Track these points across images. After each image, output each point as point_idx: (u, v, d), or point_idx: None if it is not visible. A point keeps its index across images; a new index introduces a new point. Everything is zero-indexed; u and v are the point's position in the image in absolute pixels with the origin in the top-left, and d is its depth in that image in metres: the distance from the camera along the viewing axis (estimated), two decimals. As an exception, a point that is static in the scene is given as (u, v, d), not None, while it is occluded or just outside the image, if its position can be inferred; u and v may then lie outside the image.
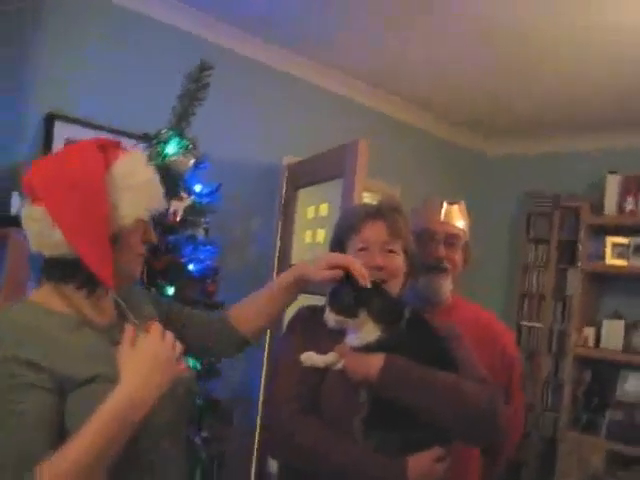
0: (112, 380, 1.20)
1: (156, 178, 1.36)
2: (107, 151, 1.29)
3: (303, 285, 1.67)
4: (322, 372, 1.59)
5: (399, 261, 1.69)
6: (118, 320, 1.38)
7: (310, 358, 1.60)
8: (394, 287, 1.68)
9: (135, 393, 1.19)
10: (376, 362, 1.51)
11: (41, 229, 1.22)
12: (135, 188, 1.29)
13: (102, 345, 1.28)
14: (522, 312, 5.11)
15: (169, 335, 1.30)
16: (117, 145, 1.35)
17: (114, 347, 1.27)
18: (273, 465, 3.58)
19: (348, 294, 1.56)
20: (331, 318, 1.56)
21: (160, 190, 1.37)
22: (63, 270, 1.26)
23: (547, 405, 4.86)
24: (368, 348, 1.54)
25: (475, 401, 1.52)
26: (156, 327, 1.29)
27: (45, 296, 1.28)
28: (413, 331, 1.58)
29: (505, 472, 2.20)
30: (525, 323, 5.06)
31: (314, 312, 1.73)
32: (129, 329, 1.28)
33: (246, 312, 1.72)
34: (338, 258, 1.60)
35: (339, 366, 1.57)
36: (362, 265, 1.61)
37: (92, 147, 1.29)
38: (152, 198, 1.33)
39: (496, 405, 1.56)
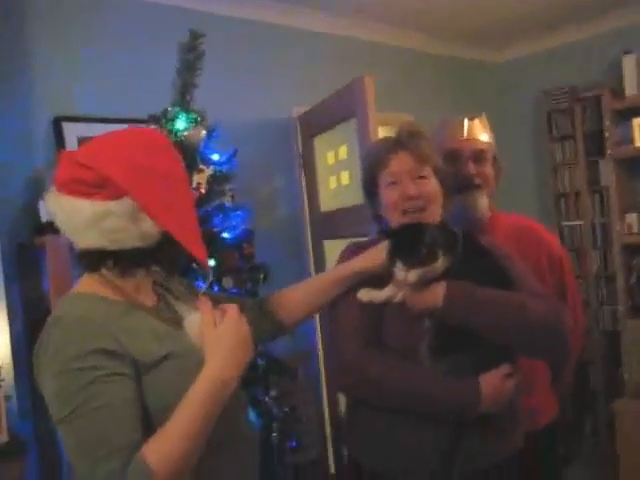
0: (181, 356, 1.25)
1: None
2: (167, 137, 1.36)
3: (359, 279, 1.64)
4: (382, 306, 1.60)
5: (433, 185, 1.68)
6: (159, 301, 1.41)
7: (368, 294, 1.61)
8: (435, 212, 1.68)
9: (224, 371, 1.23)
10: (438, 290, 1.52)
11: (119, 224, 1.21)
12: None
13: (159, 325, 1.31)
14: (560, 212, 5.05)
15: (243, 316, 1.33)
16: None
17: (169, 325, 1.32)
18: (342, 404, 3.66)
19: (419, 242, 1.52)
20: (412, 275, 1.51)
21: None
22: (135, 259, 1.27)
23: (603, 299, 4.84)
24: (437, 279, 1.53)
25: (541, 317, 1.53)
26: (233, 308, 1.32)
27: (92, 285, 1.28)
28: (468, 254, 1.58)
29: (574, 374, 2.21)
30: (566, 223, 5.00)
31: (361, 247, 1.74)
32: (207, 310, 1.30)
33: (292, 299, 1.70)
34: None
35: (399, 298, 1.57)
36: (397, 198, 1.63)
37: (161, 136, 1.36)
38: None
39: (561, 318, 1.58)
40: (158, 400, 1.20)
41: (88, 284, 1.29)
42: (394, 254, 1.54)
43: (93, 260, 1.27)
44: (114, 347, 1.18)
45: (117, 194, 1.20)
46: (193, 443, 1.16)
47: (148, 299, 1.37)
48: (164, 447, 1.13)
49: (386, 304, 1.60)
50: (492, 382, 1.52)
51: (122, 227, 1.21)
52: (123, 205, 1.20)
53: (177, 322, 1.36)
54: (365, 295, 1.61)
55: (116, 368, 1.16)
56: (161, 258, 1.30)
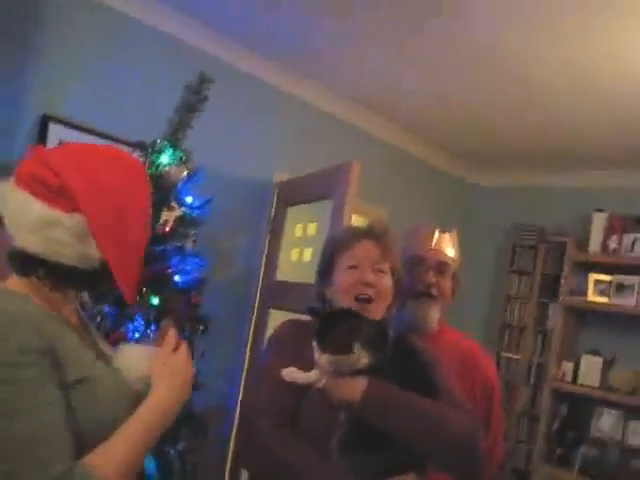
0: (98, 383, 1.21)
1: None
2: (143, 168, 1.33)
3: None
4: (303, 388, 1.59)
5: (388, 281, 1.71)
6: (82, 326, 1.37)
7: (292, 374, 1.59)
8: (381, 308, 1.70)
9: (168, 404, 1.26)
10: (359, 385, 1.51)
11: (65, 238, 1.17)
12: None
13: (81, 346, 1.26)
14: (502, 343, 5.13)
15: (182, 344, 1.36)
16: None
17: (85, 348, 1.27)
18: (244, 477, 3.56)
19: (340, 330, 1.54)
20: (324, 360, 1.53)
21: None
22: (70, 278, 1.22)
23: (522, 437, 4.87)
24: (354, 373, 1.53)
25: (456, 430, 1.53)
26: (185, 347, 1.36)
27: (24, 288, 1.22)
28: (397, 355, 1.58)
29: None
30: (505, 354, 5.08)
31: (298, 326, 1.74)
32: (167, 343, 1.34)
33: None
34: None
35: (320, 385, 1.56)
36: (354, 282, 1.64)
37: (135, 163, 1.31)
38: None
39: (476, 434, 1.57)
40: (82, 416, 1.16)
41: (20, 286, 1.23)
42: (318, 337, 1.55)
43: (26, 263, 1.21)
44: (46, 347, 1.12)
45: (72, 207, 1.17)
46: (130, 468, 1.17)
47: (74, 318, 1.33)
48: (109, 460, 1.13)
49: (307, 388, 1.59)
50: None
51: (66, 241, 1.17)
52: (73, 220, 1.17)
53: (96, 351, 1.32)
54: (289, 374, 1.60)
55: (47, 370, 1.11)
56: (93, 284, 1.27)
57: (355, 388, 1.51)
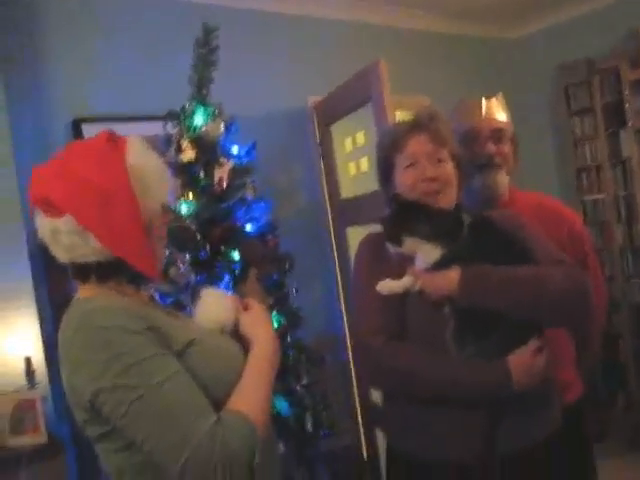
0: (203, 341, 1.28)
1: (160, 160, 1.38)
2: (116, 144, 1.29)
3: None
4: (402, 296, 1.60)
5: (449, 168, 1.68)
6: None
7: (387, 286, 1.60)
8: (450, 196, 1.67)
9: (272, 346, 1.37)
10: (453, 276, 1.51)
11: (72, 241, 1.22)
12: (154, 175, 1.31)
13: (169, 317, 1.34)
14: (582, 186, 4.99)
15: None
16: (118, 136, 1.32)
17: (175, 320, 1.35)
18: (375, 393, 3.67)
19: (389, 222, 1.58)
20: (388, 246, 1.59)
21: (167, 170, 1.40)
22: (106, 270, 1.27)
23: (630, 273, 4.78)
24: (438, 266, 1.53)
25: (559, 286, 1.51)
26: (254, 302, 1.46)
27: (94, 291, 1.28)
28: (478, 235, 1.57)
29: (603, 348, 2.19)
30: (588, 197, 4.94)
31: (377, 238, 1.74)
32: (245, 300, 1.45)
33: None
34: None
35: (417, 288, 1.57)
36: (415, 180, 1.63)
37: (103, 146, 1.27)
38: (167, 180, 1.36)
39: (580, 283, 1.56)
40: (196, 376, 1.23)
41: (87, 291, 1.29)
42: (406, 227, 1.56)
43: (77, 272, 1.29)
44: (154, 326, 1.20)
45: (59, 213, 1.21)
46: (268, 398, 1.28)
47: (149, 302, 1.41)
48: (248, 400, 1.22)
49: (406, 294, 1.60)
50: (522, 360, 1.51)
51: (75, 243, 1.22)
52: (67, 223, 1.21)
53: (183, 320, 1.41)
54: (384, 287, 1.61)
55: (164, 345, 1.20)
56: (123, 271, 1.29)
57: (450, 279, 1.51)
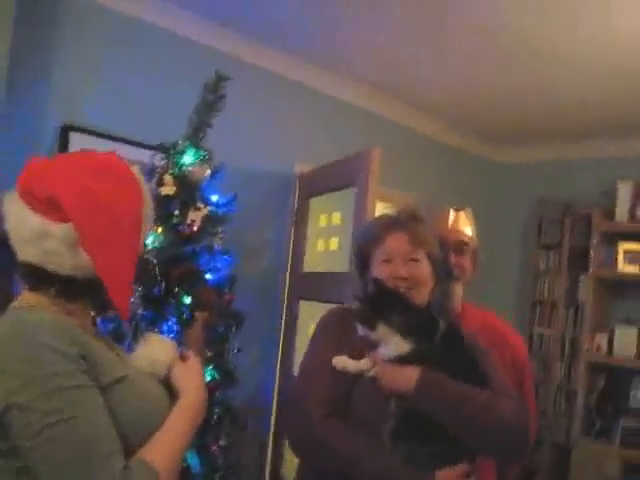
0: (135, 380, 1.24)
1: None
2: (136, 175, 1.29)
3: None
4: (354, 377, 1.60)
5: (423, 269, 1.70)
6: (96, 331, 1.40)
7: (343, 362, 1.60)
8: (422, 295, 1.69)
9: (200, 401, 1.35)
10: (412, 375, 1.51)
11: (58, 249, 1.17)
12: (149, 214, 1.31)
13: (108, 349, 1.29)
14: (534, 319, 5.10)
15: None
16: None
17: (111, 352, 1.29)
18: (287, 472, 3.60)
19: (368, 305, 1.58)
20: (358, 327, 1.59)
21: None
22: (73, 288, 1.23)
23: (560, 412, 4.85)
24: (401, 360, 1.54)
25: (509, 419, 1.54)
26: (192, 353, 1.45)
27: (41, 300, 1.22)
28: (449, 345, 1.59)
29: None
30: (537, 330, 5.05)
31: (346, 313, 1.74)
32: (183, 350, 1.44)
33: None
34: None
35: (372, 373, 1.57)
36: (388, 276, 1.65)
37: (124, 167, 1.27)
38: (152, 219, 1.36)
39: (527, 421, 1.59)
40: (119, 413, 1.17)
41: (33, 298, 1.23)
42: (384, 317, 1.56)
43: (34, 277, 1.22)
44: (86, 354, 1.14)
45: (61, 218, 1.16)
46: (177, 462, 1.23)
47: (90, 328, 1.33)
48: (162, 453, 1.19)
49: (359, 376, 1.60)
50: (449, 479, 1.51)
51: (59, 251, 1.17)
52: (63, 231, 1.16)
53: (119, 354, 1.35)
54: (340, 362, 1.61)
55: (90, 375, 1.14)
56: (91, 294, 1.26)
57: (408, 378, 1.52)
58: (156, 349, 1.38)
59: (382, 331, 1.56)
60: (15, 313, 1.20)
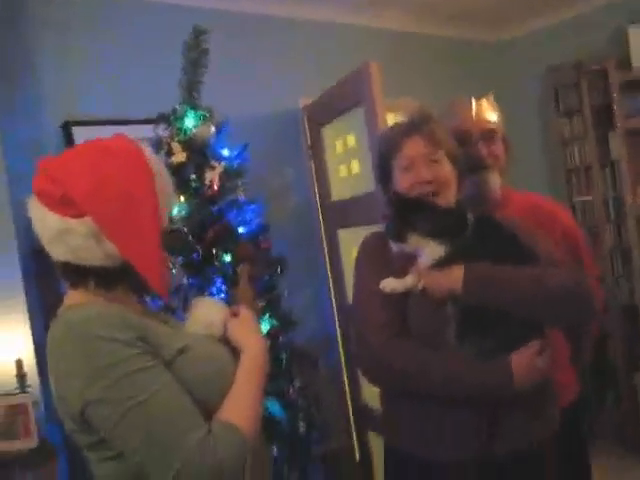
0: (194, 348, 1.27)
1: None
2: (140, 148, 1.28)
3: None
4: (404, 295, 1.61)
5: (446, 169, 1.69)
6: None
7: (390, 284, 1.61)
8: (449, 195, 1.68)
9: (261, 351, 1.38)
10: (457, 274, 1.52)
11: (83, 243, 1.19)
12: (167, 183, 1.32)
13: (161, 325, 1.33)
14: (571, 188, 5.01)
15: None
16: (134, 140, 1.31)
17: (166, 327, 1.33)
18: (368, 396, 3.68)
19: (393, 219, 1.59)
20: (392, 244, 1.60)
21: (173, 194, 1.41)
22: (109, 277, 1.26)
23: (619, 274, 4.81)
24: (441, 264, 1.54)
25: (563, 284, 1.54)
26: (243, 308, 1.47)
27: (87, 297, 1.26)
28: (482, 235, 1.58)
29: (593, 348, 2.21)
30: (577, 199, 4.96)
31: (381, 238, 1.75)
32: (234, 307, 1.47)
33: None
34: None
35: (420, 286, 1.58)
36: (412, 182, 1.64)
37: (129, 147, 1.26)
38: (173, 190, 1.38)
39: (583, 283, 1.58)
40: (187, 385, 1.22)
41: (78, 296, 1.27)
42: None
43: (71, 274, 1.26)
44: (144, 335, 1.18)
45: (78, 213, 1.18)
46: (259, 407, 1.29)
47: (140, 310, 1.36)
48: (239, 410, 1.22)
49: (409, 293, 1.61)
50: (523, 360, 1.52)
51: (85, 245, 1.19)
52: (84, 225, 1.19)
53: (173, 326, 1.40)
54: (387, 285, 1.62)
55: (154, 354, 1.18)
56: (128, 279, 1.28)
57: (454, 278, 1.52)
58: (207, 311, 1.42)
59: (414, 240, 1.56)
60: (64, 314, 1.23)
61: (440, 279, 1.55)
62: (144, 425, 1.11)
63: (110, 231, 1.19)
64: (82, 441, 1.22)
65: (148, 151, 1.31)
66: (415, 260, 1.61)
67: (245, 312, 1.45)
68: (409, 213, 1.58)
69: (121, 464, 1.18)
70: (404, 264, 1.63)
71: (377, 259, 1.73)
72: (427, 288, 1.57)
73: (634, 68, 4.42)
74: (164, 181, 1.30)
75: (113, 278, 1.26)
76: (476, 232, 1.57)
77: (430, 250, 1.56)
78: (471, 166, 1.96)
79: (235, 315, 1.44)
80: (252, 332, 1.41)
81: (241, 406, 1.24)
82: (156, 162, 1.31)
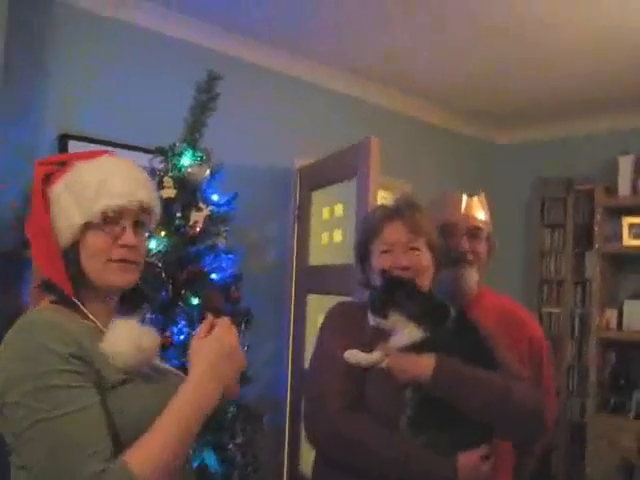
0: (141, 382, 1.22)
1: (113, 174, 1.29)
2: (67, 164, 1.29)
3: None
4: (365, 370, 1.60)
5: (424, 258, 1.70)
6: None
7: (354, 356, 1.60)
8: (424, 282, 1.69)
9: (205, 380, 1.20)
10: (427, 362, 1.52)
11: None
12: (76, 193, 1.26)
13: None
14: (542, 298, 5.09)
15: (234, 329, 1.29)
16: (93, 154, 1.32)
17: None
18: (304, 468, 3.61)
19: (379, 295, 1.58)
20: (370, 318, 1.59)
21: (122, 184, 1.28)
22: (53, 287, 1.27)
23: (573, 390, 4.85)
24: (414, 348, 1.54)
25: (525, 402, 1.55)
26: (224, 320, 1.28)
27: (55, 308, 1.25)
28: (460, 331, 1.59)
29: (536, 460, 2.21)
30: (546, 309, 5.04)
31: (351, 307, 1.76)
32: (206, 321, 1.28)
33: None
34: None
35: (384, 365, 1.57)
36: (389, 267, 1.65)
37: (38, 165, 1.31)
38: (100, 197, 1.25)
39: (541, 403, 1.60)
40: (119, 420, 1.17)
41: (45, 302, 1.27)
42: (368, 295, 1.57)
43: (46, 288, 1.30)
44: (83, 355, 1.15)
45: None
46: (172, 456, 1.13)
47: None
48: (144, 456, 1.11)
49: (370, 369, 1.60)
50: (471, 462, 1.51)
51: None
52: None
53: None
54: (352, 357, 1.61)
55: (86, 375, 1.14)
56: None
57: (423, 365, 1.52)
58: (119, 334, 1.26)
59: (395, 319, 1.56)
60: (28, 313, 1.23)
61: (407, 363, 1.54)
62: (48, 441, 1.08)
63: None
64: (6, 440, 1.18)
65: (77, 166, 1.29)
66: (386, 337, 1.61)
67: (221, 325, 1.27)
68: (394, 291, 1.58)
69: (30, 477, 1.13)
70: (372, 339, 1.62)
71: (344, 328, 1.72)
72: (391, 369, 1.56)
73: (620, 196, 4.57)
74: (76, 187, 1.26)
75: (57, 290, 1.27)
76: (455, 327, 1.58)
77: (408, 332, 1.55)
78: (452, 259, 1.99)
79: (211, 328, 1.27)
80: (206, 358, 1.22)
81: (152, 451, 1.12)
82: (78, 170, 1.28)
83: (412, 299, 1.57)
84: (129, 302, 1.38)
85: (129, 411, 1.17)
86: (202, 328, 1.26)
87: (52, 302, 1.27)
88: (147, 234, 1.40)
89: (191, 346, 1.25)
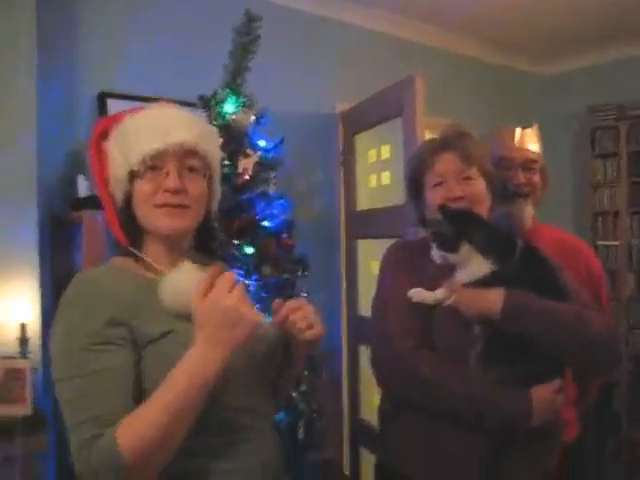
0: (187, 334, 1.14)
1: (150, 119, 1.27)
2: (116, 117, 1.32)
3: None
4: (430, 307, 1.56)
5: (479, 186, 1.65)
6: None
7: (419, 294, 1.57)
8: (482, 213, 1.63)
9: (203, 349, 1.11)
10: (495, 297, 1.47)
11: None
12: (121, 142, 1.27)
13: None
14: (597, 231, 4.95)
15: (238, 287, 1.14)
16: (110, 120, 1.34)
17: None
18: (365, 414, 3.62)
19: (447, 228, 1.52)
20: (436, 254, 1.54)
21: (155, 128, 1.24)
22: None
23: (634, 323, 4.74)
24: (482, 283, 1.49)
25: (599, 331, 1.51)
26: (224, 278, 1.14)
27: (122, 260, 1.30)
28: (528, 262, 1.53)
29: (598, 395, 2.17)
30: (601, 242, 4.90)
31: (409, 246, 1.72)
32: (200, 282, 1.14)
33: None
34: None
35: (450, 302, 1.52)
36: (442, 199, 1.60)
37: (97, 123, 1.38)
38: (141, 143, 1.23)
39: (617, 333, 1.57)
40: (151, 379, 1.14)
41: (118, 260, 1.32)
42: (431, 230, 1.54)
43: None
44: (117, 314, 1.15)
45: None
46: (168, 424, 1.07)
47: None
48: (136, 427, 1.06)
49: (435, 306, 1.56)
50: (544, 396, 1.48)
51: None
52: None
53: None
54: (416, 295, 1.57)
55: (114, 337, 1.14)
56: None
57: (491, 300, 1.47)
58: (184, 287, 1.19)
59: (465, 252, 1.50)
60: (83, 271, 1.30)
61: (475, 299, 1.50)
62: (61, 401, 1.13)
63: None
64: None
65: (126, 119, 1.30)
66: (449, 274, 1.55)
67: (220, 285, 1.12)
68: (462, 223, 1.52)
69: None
70: (434, 276, 1.58)
71: (405, 266, 1.68)
72: (458, 305, 1.52)
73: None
74: (121, 137, 1.28)
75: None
76: (522, 259, 1.52)
77: (476, 266, 1.50)
78: (508, 193, 1.93)
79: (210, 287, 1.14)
80: (208, 322, 1.11)
81: (146, 421, 1.06)
82: (125, 122, 1.29)
83: (480, 230, 1.51)
84: (201, 246, 1.39)
85: (158, 368, 1.13)
86: (199, 289, 1.13)
87: (117, 255, 1.32)
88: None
89: (192, 310, 1.13)
